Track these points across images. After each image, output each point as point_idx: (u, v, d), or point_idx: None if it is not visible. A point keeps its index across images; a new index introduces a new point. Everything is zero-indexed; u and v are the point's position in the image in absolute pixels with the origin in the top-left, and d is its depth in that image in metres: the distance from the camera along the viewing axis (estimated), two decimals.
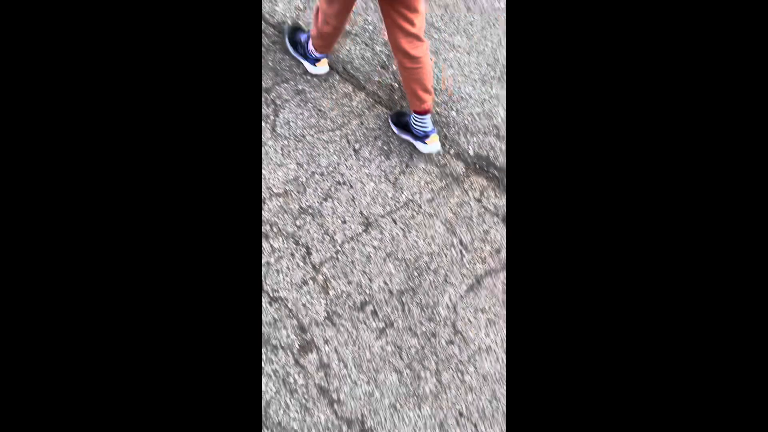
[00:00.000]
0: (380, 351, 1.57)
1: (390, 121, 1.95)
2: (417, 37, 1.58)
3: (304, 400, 1.48)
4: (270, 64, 1.99)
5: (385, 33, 1.64)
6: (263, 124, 1.87)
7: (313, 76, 1.99)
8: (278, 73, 1.98)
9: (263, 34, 2.05)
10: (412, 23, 1.53)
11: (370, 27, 2.14)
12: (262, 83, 1.94)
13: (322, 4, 1.63)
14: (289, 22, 2.09)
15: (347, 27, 2.11)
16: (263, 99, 1.91)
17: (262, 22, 2.08)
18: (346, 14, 1.66)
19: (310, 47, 1.89)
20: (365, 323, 1.60)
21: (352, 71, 2.04)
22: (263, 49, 2.02)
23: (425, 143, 1.84)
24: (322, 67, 1.97)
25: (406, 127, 1.88)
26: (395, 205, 1.81)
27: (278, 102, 1.92)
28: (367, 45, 2.10)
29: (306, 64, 1.97)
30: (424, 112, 1.78)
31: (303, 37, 1.95)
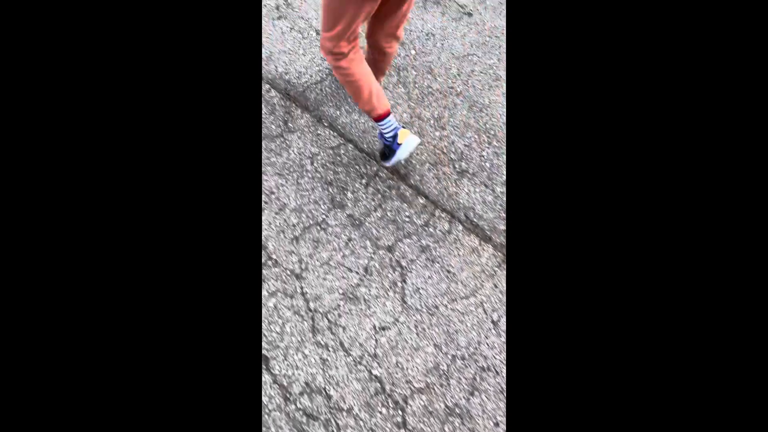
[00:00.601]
0: None
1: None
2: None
3: None
4: (389, 214, 1.72)
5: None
6: (391, 293, 1.57)
7: (419, 195, 1.72)
8: (399, 226, 1.71)
9: (367, 166, 1.79)
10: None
11: (488, 164, 1.91)
12: (384, 240, 1.66)
13: (336, 44, 1.47)
14: (379, 144, 1.85)
15: (463, 165, 1.87)
16: (388, 260, 1.63)
17: (362, 152, 1.83)
18: (355, 36, 1.49)
19: (385, 130, 1.66)
20: None
21: (475, 219, 1.78)
22: (383, 193, 1.75)
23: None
24: (406, 148, 1.67)
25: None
26: None
27: (404, 263, 1.64)
28: (486, 186, 1.86)
29: (397, 155, 1.68)
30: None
31: (384, 139, 1.70)
